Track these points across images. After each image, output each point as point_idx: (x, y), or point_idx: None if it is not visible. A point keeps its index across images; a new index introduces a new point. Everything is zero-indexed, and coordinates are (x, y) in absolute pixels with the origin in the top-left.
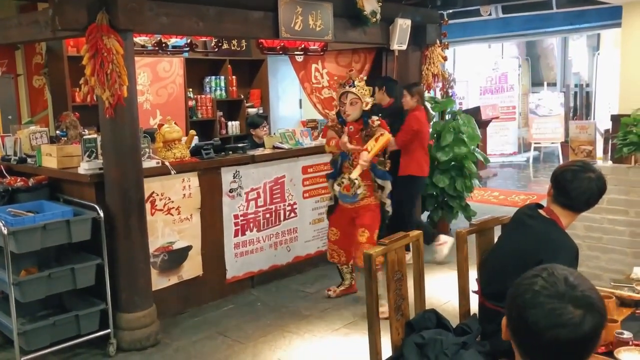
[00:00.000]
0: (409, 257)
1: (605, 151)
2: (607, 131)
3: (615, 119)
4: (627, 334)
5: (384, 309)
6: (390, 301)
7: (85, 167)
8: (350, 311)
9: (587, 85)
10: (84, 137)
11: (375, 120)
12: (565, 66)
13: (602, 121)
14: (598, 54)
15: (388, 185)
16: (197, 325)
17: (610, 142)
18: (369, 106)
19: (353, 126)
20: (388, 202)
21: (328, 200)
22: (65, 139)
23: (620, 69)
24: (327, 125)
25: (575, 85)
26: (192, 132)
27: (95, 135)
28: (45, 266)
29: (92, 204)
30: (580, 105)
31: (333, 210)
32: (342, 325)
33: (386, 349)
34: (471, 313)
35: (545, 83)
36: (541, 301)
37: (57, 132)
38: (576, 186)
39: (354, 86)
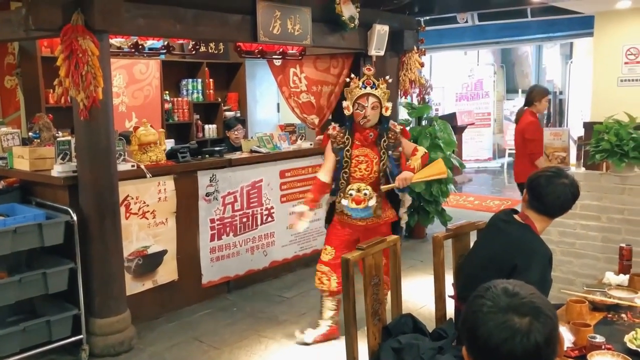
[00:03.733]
0: None
1: (578, 158)
2: (580, 138)
3: (588, 126)
4: (599, 338)
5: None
6: (367, 306)
7: (58, 170)
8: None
9: (561, 92)
10: (58, 139)
11: (397, 125)
12: (539, 74)
13: (574, 128)
14: (571, 62)
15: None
16: (172, 331)
17: (583, 149)
18: (389, 112)
19: (373, 133)
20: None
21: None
22: (38, 140)
23: (592, 77)
24: (328, 133)
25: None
26: (161, 130)
27: (69, 138)
28: (15, 271)
29: (66, 207)
30: (553, 113)
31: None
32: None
33: (363, 354)
34: (447, 317)
35: (519, 90)
36: (487, 318)
37: (30, 133)
38: (550, 192)
39: (376, 88)
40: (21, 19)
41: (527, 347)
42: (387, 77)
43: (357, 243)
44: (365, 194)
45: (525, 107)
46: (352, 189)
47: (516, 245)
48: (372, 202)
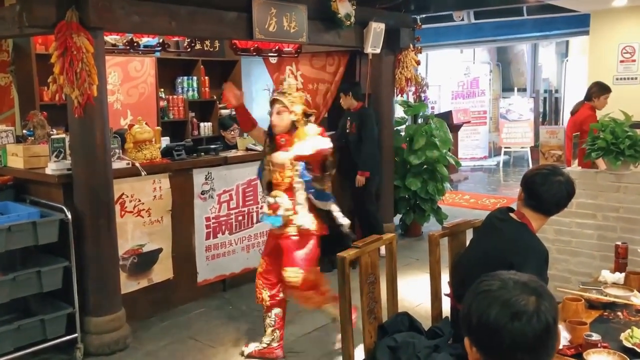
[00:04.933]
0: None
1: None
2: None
3: None
4: (595, 336)
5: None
6: (363, 304)
7: (52, 168)
8: (323, 314)
9: (556, 91)
10: (52, 136)
11: (314, 128)
12: (535, 72)
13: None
14: (566, 60)
15: (332, 207)
16: (167, 329)
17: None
18: (297, 116)
19: (285, 138)
20: (345, 222)
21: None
22: (32, 138)
23: (588, 75)
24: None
25: (545, 91)
26: (158, 128)
27: (63, 135)
28: (9, 269)
29: (60, 206)
30: (549, 111)
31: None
32: (314, 328)
33: (359, 353)
34: (443, 316)
35: (515, 88)
36: (495, 296)
37: (24, 131)
38: (546, 189)
39: (286, 94)
40: (15, 15)
41: (538, 328)
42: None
43: (279, 251)
44: (276, 201)
45: (585, 102)
46: (271, 196)
47: (512, 243)
48: (282, 212)
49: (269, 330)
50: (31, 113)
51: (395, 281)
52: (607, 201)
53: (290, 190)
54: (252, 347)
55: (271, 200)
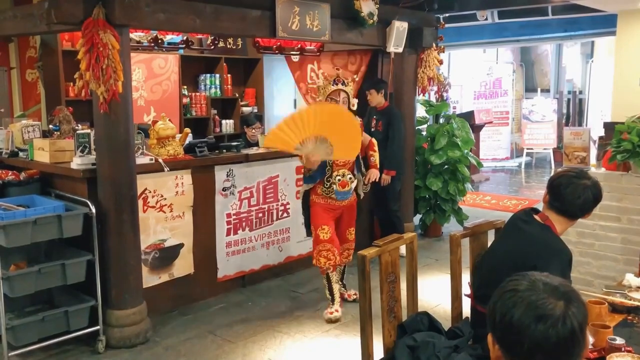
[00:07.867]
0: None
1: (598, 158)
2: (600, 138)
3: (609, 126)
4: (619, 340)
5: (331, 309)
6: (383, 303)
7: (77, 162)
8: (342, 312)
9: (580, 92)
10: (77, 131)
11: (359, 119)
12: (559, 73)
13: (594, 128)
14: (592, 61)
15: (360, 178)
16: (187, 324)
17: (603, 149)
18: (355, 107)
19: None
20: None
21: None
22: (58, 133)
23: (614, 76)
24: None
25: (569, 92)
26: (187, 130)
27: (88, 130)
28: (35, 261)
29: (84, 200)
30: (573, 112)
31: (308, 214)
32: (333, 326)
33: (378, 351)
34: (463, 317)
35: (538, 89)
36: (522, 297)
37: (50, 126)
38: (571, 191)
39: (346, 85)
40: (43, 12)
41: (562, 333)
42: (355, 77)
43: (339, 220)
44: (349, 178)
45: None
46: (339, 175)
47: (536, 245)
48: (354, 185)
49: (337, 285)
50: (57, 108)
51: (415, 281)
52: (633, 204)
53: (352, 168)
54: (337, 306)
55: (340, 178)
